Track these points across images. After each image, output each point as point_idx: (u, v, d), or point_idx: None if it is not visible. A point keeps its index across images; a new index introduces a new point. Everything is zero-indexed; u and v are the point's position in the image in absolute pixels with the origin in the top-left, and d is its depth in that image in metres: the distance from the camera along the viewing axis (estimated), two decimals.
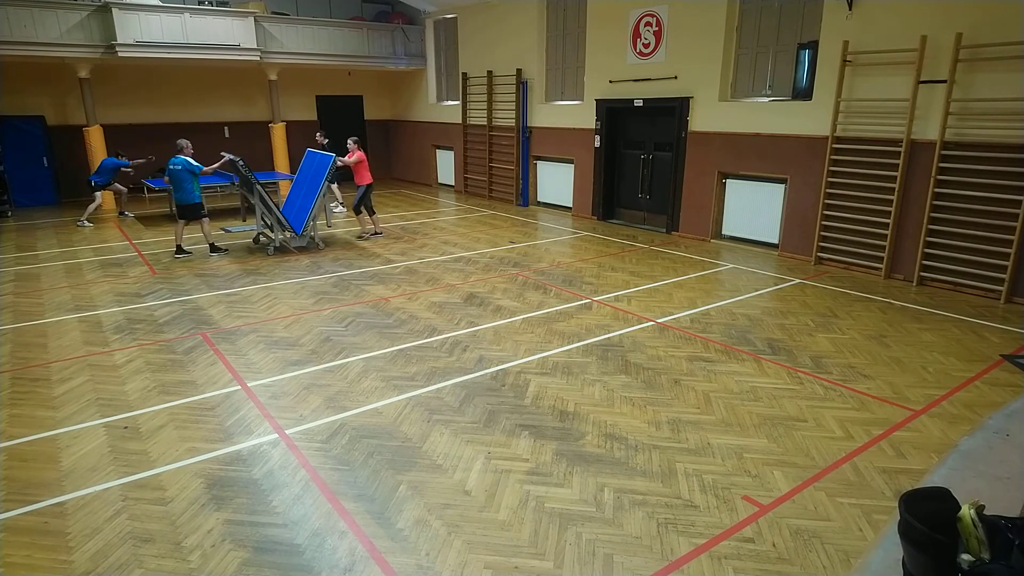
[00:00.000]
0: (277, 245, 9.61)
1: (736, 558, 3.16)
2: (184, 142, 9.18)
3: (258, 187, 9.29)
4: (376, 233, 10.75)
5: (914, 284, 7.89)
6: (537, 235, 11.19)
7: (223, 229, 11.29)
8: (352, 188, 10.97)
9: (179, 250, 9.33)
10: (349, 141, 10.74)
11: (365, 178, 10.43)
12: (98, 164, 12.11)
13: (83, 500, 3.63)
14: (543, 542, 3.28)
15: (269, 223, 9.76)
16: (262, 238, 10.09)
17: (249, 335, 6.22)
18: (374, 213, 10.81)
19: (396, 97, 18.33)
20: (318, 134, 13.00)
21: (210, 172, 9.61)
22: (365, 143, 18.22)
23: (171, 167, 9.04)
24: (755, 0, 9.43)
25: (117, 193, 12.50)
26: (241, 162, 9.25)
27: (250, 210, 10.34)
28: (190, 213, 9.23)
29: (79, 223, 11.56)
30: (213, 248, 9.49)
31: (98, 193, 11.84)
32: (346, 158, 10.33)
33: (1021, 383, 5.20)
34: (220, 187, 12.24)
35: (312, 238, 9.92)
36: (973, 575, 1.31)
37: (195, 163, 9.03)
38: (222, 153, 9.74)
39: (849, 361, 5.57)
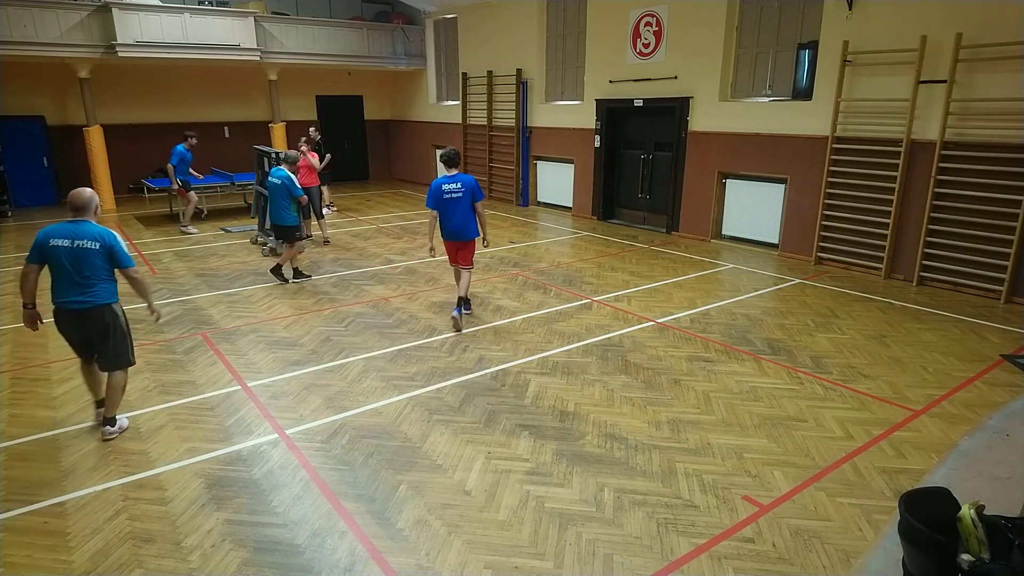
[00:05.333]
0: (273, 248, 9.42)
1: (736, 558, 3.16)
2: (294, 154, 8.15)
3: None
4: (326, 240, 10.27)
5: (914, 284, 7.89)
6: (537, 235, 11.19)
7: (222, 229, 11.30)
8: (341, 188, 10.65)
9: (296, 274, 8.09)
10: (303, 140, 10.48)
11: (311, 181, 10.00)
12: (171, 157, 10.71)
13: (83, 500, 3.63)
14: (543, 542, 3.28)
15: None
16: (259, 239, 10.04)
17: (249, 335, 6.23)
18: (322, 218, 10.47)
19: (396, 97, 18.32)
20: (311, 130, 11.84)
21: (304, 203, 8.12)
22: (366, 142, 18.39)
23: (271, 178, 7.86)
24: (755, 0, 9.44)
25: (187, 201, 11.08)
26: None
27: (264, 209, 9.51)
28: (284, 235, 8.06)
29: (183, 229, 10.99)
30: (297, 274, 8.13)
31: (191, 192, 10.91)
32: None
33: (1021, 383, 5.20)
34: (220, 187, 12.21)
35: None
36: (973, 575, 1.31)
37: (298, 186, 7.83)
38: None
39: (849, 361, 5.57)
